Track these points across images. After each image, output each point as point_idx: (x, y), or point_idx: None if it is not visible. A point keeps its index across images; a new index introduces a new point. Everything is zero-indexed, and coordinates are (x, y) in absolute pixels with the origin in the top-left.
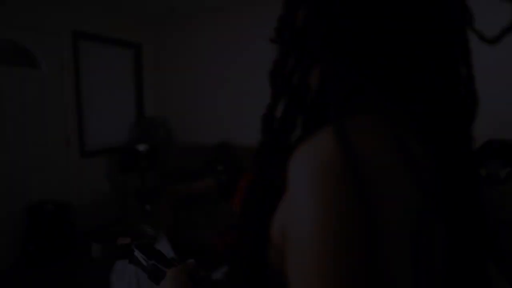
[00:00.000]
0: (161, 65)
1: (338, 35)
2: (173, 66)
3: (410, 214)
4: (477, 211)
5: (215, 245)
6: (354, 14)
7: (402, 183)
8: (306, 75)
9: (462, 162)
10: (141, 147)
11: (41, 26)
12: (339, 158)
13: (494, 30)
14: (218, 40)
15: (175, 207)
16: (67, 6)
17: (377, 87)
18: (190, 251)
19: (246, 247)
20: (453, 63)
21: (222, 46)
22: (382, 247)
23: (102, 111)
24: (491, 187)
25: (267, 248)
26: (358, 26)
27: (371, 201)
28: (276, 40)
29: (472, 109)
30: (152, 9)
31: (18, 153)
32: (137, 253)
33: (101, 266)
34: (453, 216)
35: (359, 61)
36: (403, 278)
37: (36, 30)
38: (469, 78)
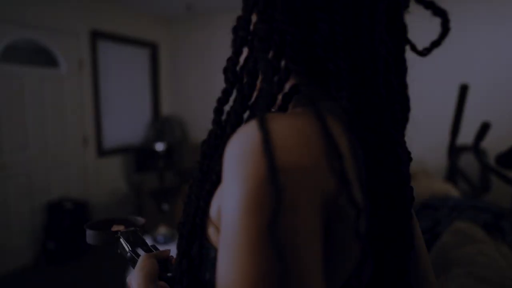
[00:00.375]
0: (178, 64)
1: (276, 38)
2: (189, 65)
3: (325, 201)
4: (400, 207)
5: None
6: (292, 21)
7: (318, 171)
8: (253, 73)
9: (387, 159)
10: (158, 147)
11: (60, 26)
12: (257, 146)
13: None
14: None
15: None
16: (85, 6)
17: (309, 86)
18: None
19: (187, 224)
20: (382, 69)
21: None
22: (293, 230)
23: (119, 110)
24: None
25: (207, 226)
26: (295, 31)
27: (282, 185)
28: (232, 40)
29: (405, 114)
30: (169, 8)
31: (38, 152)
32: (122, 241)
33: (118, 264)
34: (375, 208)
35: (294, 61)
36: (315, 262)
37: (55, 30)
38: (402, 85)
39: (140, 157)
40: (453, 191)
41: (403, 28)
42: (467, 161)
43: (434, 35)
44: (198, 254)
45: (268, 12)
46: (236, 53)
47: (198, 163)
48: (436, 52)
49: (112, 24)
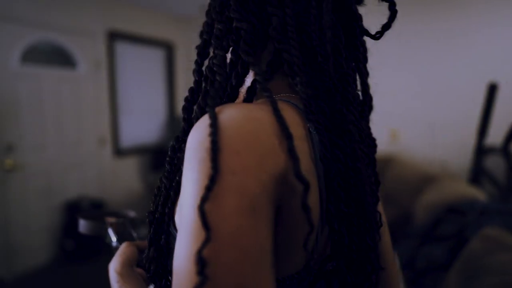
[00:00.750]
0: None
1: (232, 36)
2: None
3: (276, 180)
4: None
5: None
6: (245, 18)
7: (268, 152)
8: (213, 70)
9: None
10: None
11: (78, 27)
12: (206, 135)
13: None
14: None
15: None
16: (102, 6)
17: (273, 79)
18: None
19: (156, 213)
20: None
21: None
22: (240, 211)
23: (135, 110)
24: None
25: (174, 215)
26: (248, 27)
27: (231, 170)
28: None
29: (367, 111)
30: (186, 8)
31: (56, 152)
32: (109, 231)
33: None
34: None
35: (249, 55)
36: (263, 239)
37: (73, 31)
38: (359, 70)
39: (155, 157)
40: (479, 194)
41: (353, 15)
42: (493, 163)
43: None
44: (166, 243)
45: (224, 12)
46: (199, 54)
47: (168, 157)
48: (463, 49)
49: (129, 24)
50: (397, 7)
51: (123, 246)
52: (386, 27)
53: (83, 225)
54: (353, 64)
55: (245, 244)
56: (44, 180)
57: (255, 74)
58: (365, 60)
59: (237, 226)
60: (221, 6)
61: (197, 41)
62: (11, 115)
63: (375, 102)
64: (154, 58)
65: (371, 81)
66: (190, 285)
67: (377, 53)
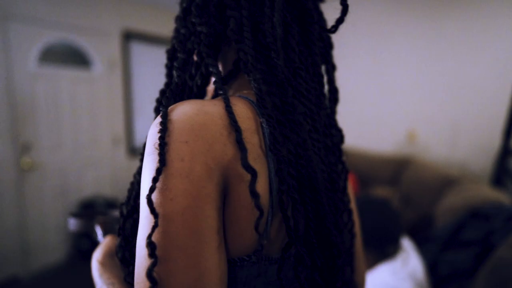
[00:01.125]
0: None
1: (194, 39)
2: None
3: (224, 168)
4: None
5: None
6: (205, 22)
7: (217, 144)
8: (182, 72)
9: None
10: None
11: (93, 26)
12: (157, 134)
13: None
14: None
15: None
16: (118, 6)
17: (237, 78)
18: None
19: (127, 205)
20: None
21: None
22: (187, 194)
23: (149, 110)
24: None
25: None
26: (208, 30)
27: (181, 157)
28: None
29: (333, 102)
30: None
31: (71, 151)
32: (97, 229)
33: None
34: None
35: (209, 56)
36: (209, 219)
37: (88, 30)
38: (329, 77)
39: None
40: (503, 198)
41: (308, 12)
42: None
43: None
44: (131, 232)
45: (187, 18)
46: (169, 58)
47: (141, 154)
48: (487, 47)
49: (144, 24)
50: (420, 4)
51: (107, 239)
52: (340, 21)
53: (72, 223)
54: (312, 58)
55: (193, 223)
56: (60, 179)
57: (213, 74)
58: (326, 54)
59: (185, 206)
60: (185, 12)
61: None
62: (28, 115)
63: (391, 102)
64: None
65: (387, 79)
66: (146, 267)
67: (394, 52)
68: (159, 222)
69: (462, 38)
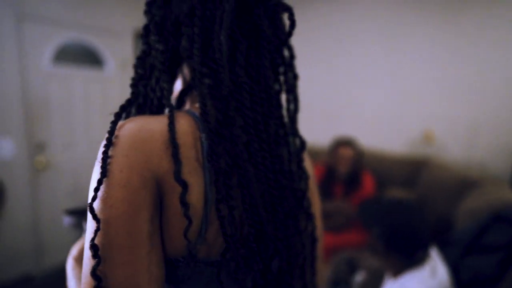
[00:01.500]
0: None
1: (151, 56)
2: None
3: (159, 179)
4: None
5: None
6: (162, 40)
7: (153, 156)
8: (137, 88)
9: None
10: None
11: (106, 26)
12: (102, 147)
13: None
14: None
15: None
16: (129, 5)
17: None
18: None
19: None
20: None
21: None
22: (124, 201)
23: None
24: None
25: None
26: (164, 48)
27: (120, 167)
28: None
29: (293, 111)
30: None
31: (83, 151)
32: (84, 226)
33: None
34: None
35: (163, 72)
36: (144, 223)
37: (101, 30)
38: (292, 86)
39: None
40: None
41: (259, 28)
42: None
43: None
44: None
45: (148, 35)
46: (134, 75)
47: None
48: (508, 45)
49: None
50: (438, 3)
51: (84, 235)
52: (289, 34)
53: (66, 220)
54: (263, 70)
55: (128, 226)
56: (73, 178)
57: (164, 91)
58: (285, 65)
59: (122, 212)
60: (145, 30)
61: None
62: (42, 115)
63: (408, 101)
64: None
65: (403, 79)
66: (90, 267)
67: (411, 50)
68: (101, 226)
69: (481, 35)
